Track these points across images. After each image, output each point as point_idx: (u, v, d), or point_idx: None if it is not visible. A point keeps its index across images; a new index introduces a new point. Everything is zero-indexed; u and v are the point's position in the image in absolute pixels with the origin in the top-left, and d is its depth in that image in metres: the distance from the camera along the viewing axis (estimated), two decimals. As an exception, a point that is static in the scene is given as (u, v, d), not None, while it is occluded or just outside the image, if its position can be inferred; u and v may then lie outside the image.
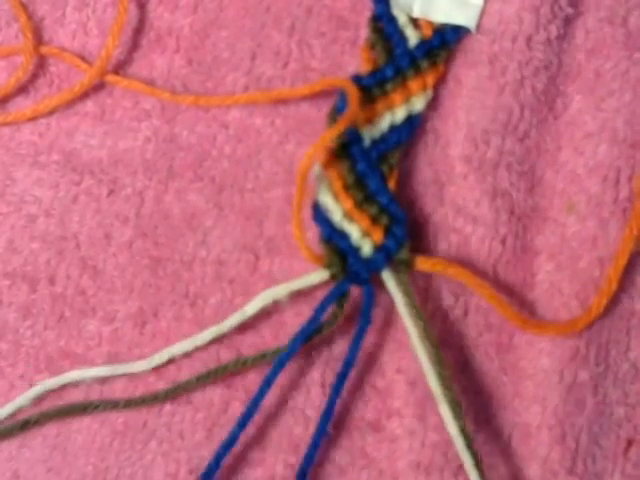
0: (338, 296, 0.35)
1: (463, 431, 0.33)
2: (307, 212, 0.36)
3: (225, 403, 0.36)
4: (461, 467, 0.34)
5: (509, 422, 0.35)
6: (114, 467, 0.36)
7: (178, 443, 0.36)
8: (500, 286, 0.36)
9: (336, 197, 0.36)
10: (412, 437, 0.35)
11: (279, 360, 0.35)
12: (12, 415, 0.37)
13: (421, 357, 0.34)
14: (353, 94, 0.36)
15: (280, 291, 0.36)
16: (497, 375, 0.36)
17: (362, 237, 0.36)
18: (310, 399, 0.36)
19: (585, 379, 0.35)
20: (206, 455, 0.36)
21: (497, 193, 0.37)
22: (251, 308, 0.36)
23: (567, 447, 0.35)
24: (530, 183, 0.37)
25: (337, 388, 0.34)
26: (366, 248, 0.36)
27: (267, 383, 0.34)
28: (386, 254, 0.35)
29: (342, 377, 0.35)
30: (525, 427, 0.35)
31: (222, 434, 0.36)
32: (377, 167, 0.36)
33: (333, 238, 0.36)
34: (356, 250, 0.36)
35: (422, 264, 0.35)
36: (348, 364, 0.35)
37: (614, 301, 0.36)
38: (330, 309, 0.35)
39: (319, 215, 0.36)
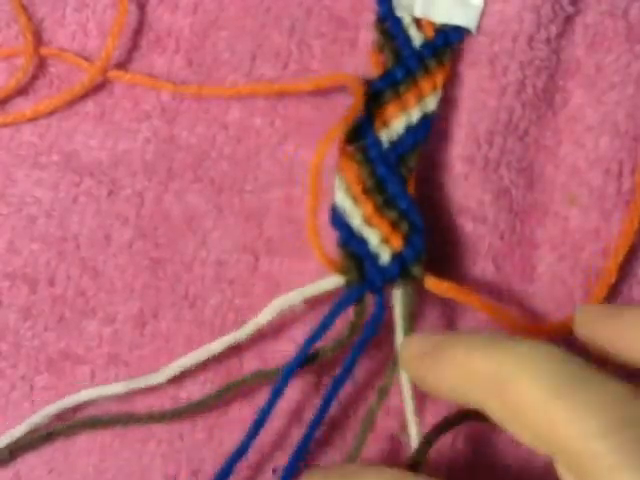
0: (352, 303, 0.34)
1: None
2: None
3: (225, 404, 0.36)
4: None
5: None
6: (113, 467, 0.36)
7: (178, 444, 0.36)
8: (500, 280, 0.36)
9: (355, 201, 0.35)
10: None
11: (287, 368, 0.34)
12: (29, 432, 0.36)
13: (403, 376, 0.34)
14: (358, 90, 0.36)
15: (294, 297, 0.34)
16: None
17: (381, 243, 0.34)
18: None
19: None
20: (206, 456, 0.36)
21: (498, 191, 0.37)
22: (264, 316, 0.34)
23: None
24: (529, 179, 0.37)
25: (331, 394, 0.34)
26: (385, 255, 0.34)
27: (276, 393, 0.33)
28: (402, 264, 0.34)
29: (338, 383, 0.34)
30: None
31: (222, 435, 0.36)
32: (396, 170, 0.35)
33: (351, 243, 0.34)
34: (374, 257, 0.34)
35: (431, 285, 0.34)
36: (346, 371, 0.34)
37: (614, 290, 0.36)
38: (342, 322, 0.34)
39: (337, 219, 0.35)
